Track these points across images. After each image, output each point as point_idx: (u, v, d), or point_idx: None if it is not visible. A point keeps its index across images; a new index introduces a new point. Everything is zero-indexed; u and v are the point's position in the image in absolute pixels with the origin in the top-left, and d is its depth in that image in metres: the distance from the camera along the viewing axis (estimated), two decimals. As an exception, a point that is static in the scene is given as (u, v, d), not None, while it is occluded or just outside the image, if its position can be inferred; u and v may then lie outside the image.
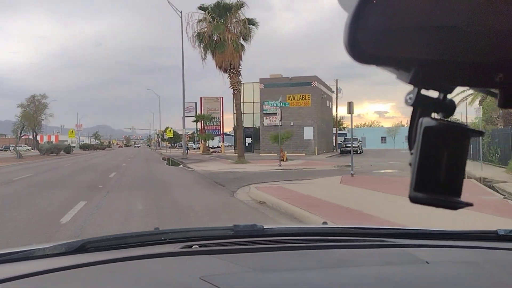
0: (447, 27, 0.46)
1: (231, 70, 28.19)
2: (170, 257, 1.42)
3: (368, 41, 0.46)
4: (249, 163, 27.50)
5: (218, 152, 54.81)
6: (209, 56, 28.59)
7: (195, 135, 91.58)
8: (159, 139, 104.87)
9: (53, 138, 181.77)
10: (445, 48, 0.47)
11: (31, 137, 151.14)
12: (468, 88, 0.53)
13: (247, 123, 49.54)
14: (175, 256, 1.43)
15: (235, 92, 28.27)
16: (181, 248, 1.48)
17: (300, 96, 42.47)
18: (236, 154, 43.40)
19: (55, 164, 30.82)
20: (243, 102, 51.07)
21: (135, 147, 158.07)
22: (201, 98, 57.16)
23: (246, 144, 48.35)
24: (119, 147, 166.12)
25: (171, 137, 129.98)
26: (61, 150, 55.03)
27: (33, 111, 49.05)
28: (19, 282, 1.19)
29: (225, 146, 61.40)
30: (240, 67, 28.41)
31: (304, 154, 40.72)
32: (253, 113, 48.92)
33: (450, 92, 0.51)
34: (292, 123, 42.38)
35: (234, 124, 50.40)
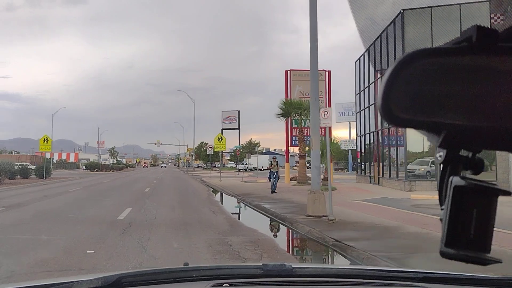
0: (476, 95, 0.47)
1: None
2: None
3: (400, 107, 0.48)
4: None
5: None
6: None
7: (254, 150, 63.68)
8: (192, 157, 75.80)
9: (72, 156, 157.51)
10: (474, 114, 0.47)
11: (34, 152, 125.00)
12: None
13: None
14: None
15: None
16: (211, 286, 1.43)
17: None
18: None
19: None
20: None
21: (162, 167, 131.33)
22: (287, 72, 27.86)
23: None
24: (143, 166, 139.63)
25: (211, 153, 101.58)
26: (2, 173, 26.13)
27: None
28: None
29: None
30: None
31: None
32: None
33: (480, 151, 0.51)
34: None
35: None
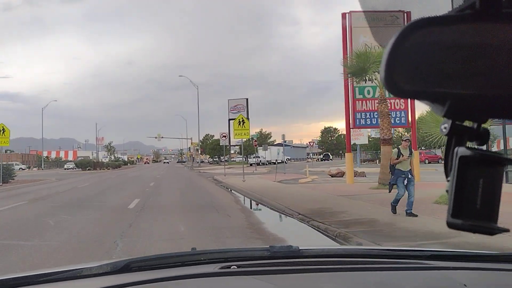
0: (480, 62, 0.46)
1: None
2: (209, 277, 1.37)
3: (403, 77, 0.47)
4: None
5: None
6: None
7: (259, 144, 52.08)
8: (198, 151, 66.58)
9: (70, 154, 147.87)
10: (479, 83, 0.46)
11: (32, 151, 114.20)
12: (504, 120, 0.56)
13: None
14: (214, 277, 1.38)
15: None
16: (219, 268, 1.42)
17: None
18: None
19: None
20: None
21: (164, 163, 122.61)
22: (346, 15, 18.20)
23: None
24: (144, 163, 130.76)
25: (225, 144, 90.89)
26: None
27: None
28: None
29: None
30: None
31: None
32: None
33: (485, 122, 0.50)
34: None
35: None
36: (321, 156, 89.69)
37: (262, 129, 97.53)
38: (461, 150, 0.48)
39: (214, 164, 72.76)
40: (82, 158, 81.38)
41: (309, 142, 45.21)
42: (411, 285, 1.33)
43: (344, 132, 21.79)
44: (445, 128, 0.50)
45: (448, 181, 0.49)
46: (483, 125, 0.51)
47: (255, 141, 43.14)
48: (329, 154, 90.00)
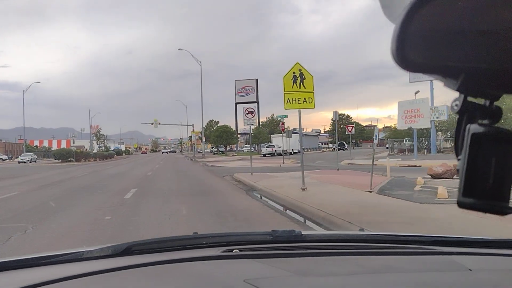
0: (495, 35, 0.44)
1: None
2: (212, 260, 1.36)
3: (415, 51, 0.45)
4: None
5: None
6: None
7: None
8: (202, 140, 56.11)
9: (63, 144, 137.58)
10: (493, 56, 0.44)
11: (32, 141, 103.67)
12: None
13: None
14: (217, 260, 1.37)
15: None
16: (221, 252, 1.43)
17: None
18: None
19: None
20: None
21: (162, 152, 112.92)
22: None
23: None
24: (142, 153, 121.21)
25: (216, 136, 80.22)
26: None
27: None
28: (69, 283, 1.18)
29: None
30: None
31: None
32: None
33: (497, 99, 0.49)
34: None
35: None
36: (335, 145, 79.93)
37: (273, 114, 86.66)
38: (473, 127, 0.46)
39: (220, 155, 62.27)
40: (74, 147, 71.00)
41: (347, 127, 34.64)
42: (415, 269, 1.31)
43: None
44: (456, 105, 0.48)
45: (459, 159, 0.47)
46: (495, 103, 0.48)
47: (283, 124, 32.56)
48: (344, 143, 79.89)
